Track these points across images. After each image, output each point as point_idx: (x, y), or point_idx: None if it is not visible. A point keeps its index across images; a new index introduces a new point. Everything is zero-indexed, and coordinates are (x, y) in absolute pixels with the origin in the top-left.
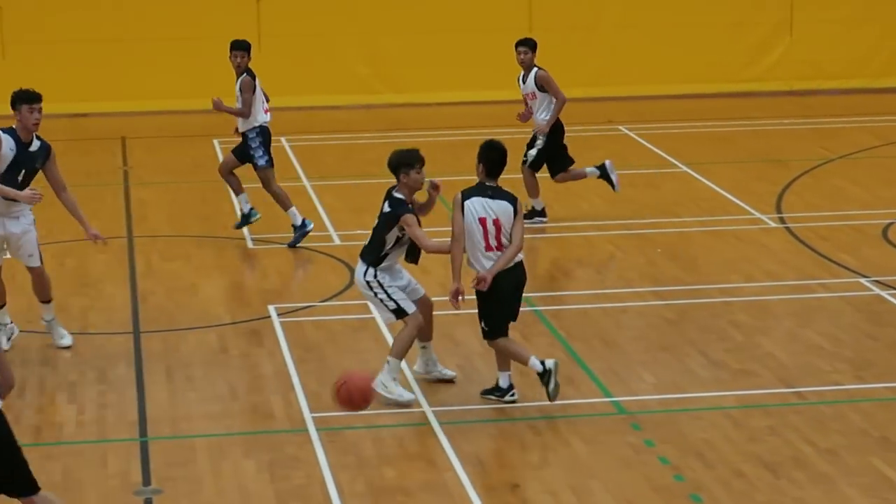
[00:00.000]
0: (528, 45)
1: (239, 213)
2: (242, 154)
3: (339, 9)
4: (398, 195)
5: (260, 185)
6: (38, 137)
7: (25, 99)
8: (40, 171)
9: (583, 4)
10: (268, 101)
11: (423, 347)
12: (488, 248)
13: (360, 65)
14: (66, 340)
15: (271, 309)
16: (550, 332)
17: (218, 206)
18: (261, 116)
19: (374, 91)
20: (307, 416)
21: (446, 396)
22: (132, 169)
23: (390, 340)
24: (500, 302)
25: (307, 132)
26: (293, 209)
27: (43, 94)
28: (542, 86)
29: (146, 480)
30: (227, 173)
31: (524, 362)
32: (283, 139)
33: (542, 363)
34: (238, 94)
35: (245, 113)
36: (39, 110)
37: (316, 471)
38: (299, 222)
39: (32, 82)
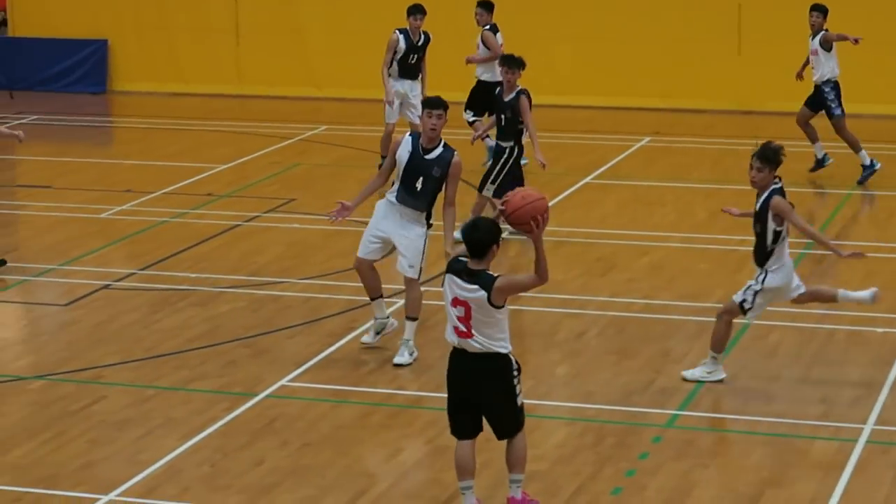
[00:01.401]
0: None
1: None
2: (816, 104)
3: None
4: None
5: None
6: (445, 146)
7: (425, 104)
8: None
9: None
10: None
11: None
12: None
13: None
14: (400, 359)
15: None
16: None
17: None
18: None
19: None
20: None
21: None
22: None
23: None
24: None
25: None
26: (863, 152)
27: None
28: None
29: None
30: (804, 124)
31: None
32: None
33: None
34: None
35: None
36: (438, 116)
37: None
38: (868, 162)
39: None
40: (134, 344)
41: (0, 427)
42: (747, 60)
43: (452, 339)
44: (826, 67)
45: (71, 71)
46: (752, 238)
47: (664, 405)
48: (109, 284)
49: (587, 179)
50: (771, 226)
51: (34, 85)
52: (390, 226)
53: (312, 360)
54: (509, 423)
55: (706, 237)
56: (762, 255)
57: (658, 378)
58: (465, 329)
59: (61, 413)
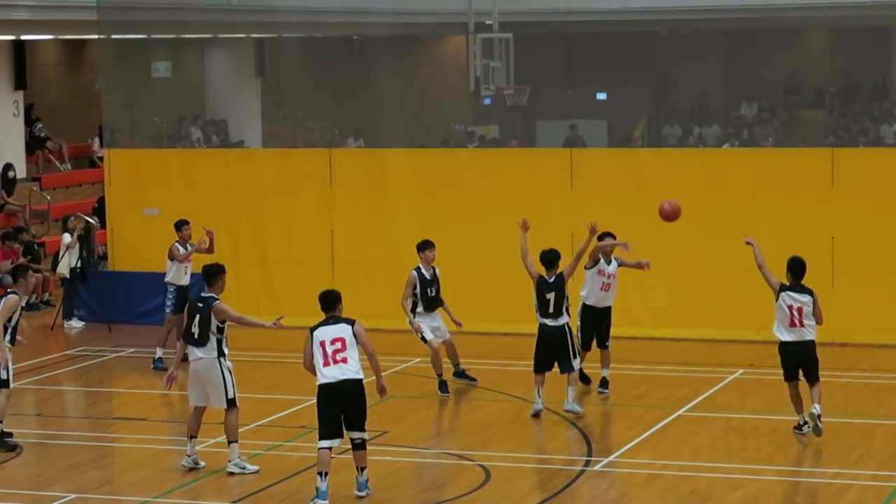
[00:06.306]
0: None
1: None
2: None
3: None
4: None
5: None
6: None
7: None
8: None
9: None
10: None
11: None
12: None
13: None
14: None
15: None
16: None
17: None
18: None
19: None
20: None
21: None
22: None
23: None
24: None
25: None
26: None
27: None
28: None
29: None
30: None
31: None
32: None
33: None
34: None
35: None
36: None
37: None
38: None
39: None
40: None
41: None
42: (840, 293)
43: None
44: None
45: None
46: (848, 471)
47: None
48: None
49: (681, 412)
50: None
51: (132, 318)
52: None
53: None
54: None
55: (802, 469)
56: None
57: None
58: None
59: None
